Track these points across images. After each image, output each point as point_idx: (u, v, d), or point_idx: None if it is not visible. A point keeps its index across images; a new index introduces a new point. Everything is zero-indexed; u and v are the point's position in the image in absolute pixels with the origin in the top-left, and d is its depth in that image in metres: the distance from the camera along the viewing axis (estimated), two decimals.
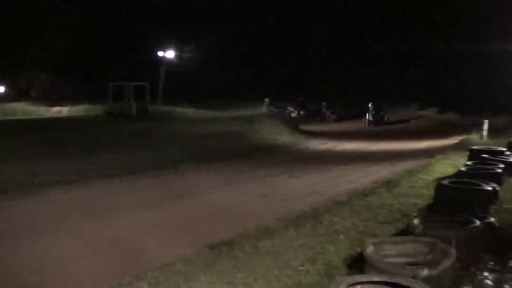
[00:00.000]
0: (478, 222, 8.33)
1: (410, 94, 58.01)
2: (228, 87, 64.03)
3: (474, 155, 17.86)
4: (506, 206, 11.45)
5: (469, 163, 15.95)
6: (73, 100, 48.10)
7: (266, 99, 55.39)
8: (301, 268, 8.26)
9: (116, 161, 20.89)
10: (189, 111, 45.70)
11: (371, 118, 49.21)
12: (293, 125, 38.83)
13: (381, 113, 50.17)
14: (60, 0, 58.76)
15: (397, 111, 54.31)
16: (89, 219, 12.70)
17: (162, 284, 8.12)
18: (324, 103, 55.63)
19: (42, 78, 57.50)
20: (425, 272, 6.27)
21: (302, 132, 37.45)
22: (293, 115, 52.98)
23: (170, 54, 52.74)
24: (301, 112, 53.94)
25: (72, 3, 59.07)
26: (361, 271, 6.93)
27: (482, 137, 28.04)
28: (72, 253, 10.17)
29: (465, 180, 11.79)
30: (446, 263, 6.55)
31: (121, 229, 11.87)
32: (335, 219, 11.53)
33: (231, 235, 10.63)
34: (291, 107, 54.31)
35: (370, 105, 49.47)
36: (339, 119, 52.23)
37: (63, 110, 45.25)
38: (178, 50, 55.29)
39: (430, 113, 54.37)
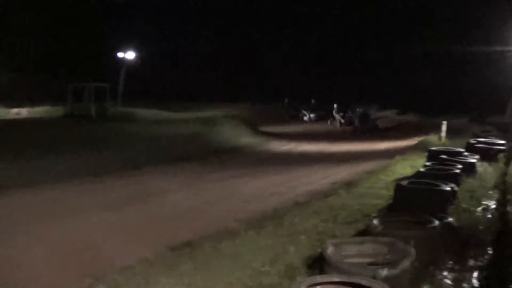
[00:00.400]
0: (437, 222, 8.43)
1: (371, 95, 58.46)
2: (191, 88, 63.92)
3: (433, 155, 18.06)
4: (464, 206, 11.59)
5: (428, 163, 16.12)
6: (33, 101, 47.46)
7: (286, 99, 54.82)
8: (261, 269, 8.25)
9: (76, 163, 20.67)
10: (150, 113, 45.37)
11: (342, 120, 49.32)
12: (255, 127, 38.80)
13: (370, 118, 48.09)
14: (21, 1, 58.11)
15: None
16: (49, 221, 12.57)
17: (122, 286, 8.06)
18: (335, 106, 53.29)
19: (2, 79, 56.68)
20: (385, 272, 6.31)
21: (264, 133, 37.48)
22: (305, 118, 52.53)
23: (130, 55, 52.33)
24: (311, 116, 53.68)
25: (33, 4, 58.40)
26: (322, 271, 6.95)
27: (440, 138, 28.31)
28: (33, 256, 10.07)
29: (424, 180, 11.91)
30: (406, 263, 6.61)
31: (81, 232, 11.78)
32: (296, 220, 11.56)
33: (192, 237, 10.60)
34: (304, 110, 53.85)
35: (335, 106, 49.60)
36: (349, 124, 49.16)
37: (22, 112, 44.55)
38: (139, 51, 54.85)
39: (390, 114, 54.78)
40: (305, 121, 52.71)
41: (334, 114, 50.88)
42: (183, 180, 19.07)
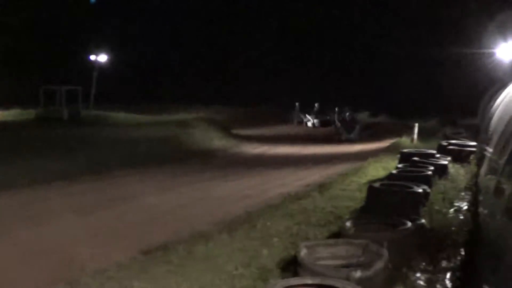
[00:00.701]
0: (409, 224, 8.47)
1: (343, 98, 58.66)
2: (164, 91, 63.80)
3: (405, 158, 18.19)
4: (436, 207, 11.67)
5: (400, 166, 16.24)
6: (4, 104, 47.02)
7: (297, 104, 53.46)
8: (235, 272, 8.24)
9: (48, 167, 20.47)
10: (123, 116, 45.19)
11: (311, 121, 48.98)
12: (229, 130, 38.76)
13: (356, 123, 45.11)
14: None
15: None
16: (21, 226, 12.45)
17: None
18: (316, 105, 53.22)
19: None
20: (358, 273, 6.34)
21: (237, 136, 37.46)
22: (309, 124, 51.49)
23: (102, 58, 52.06)
24: (315, 121, 51.95)
25: (3, 5, 57.87)
26: (295, 274, 6.97)
27: (412, 140, 28.52)
28: (4, 261, 9.96)
29: (397, 182, 11.99)
30: (379, 265, 6.64)
31: (54, 236, 11.67)
32: (269, 223, 11.56)
33: (165, 240, 10.57)
34: (309, 115, 52.54)
35: (316, 105, 49.36)
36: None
37: None
38: (111, 53, 54.57)
39: (362, 116, 55.05)
40: (309, 127, 51.18)
41: (305, 115, 50.60)
42: (156, 183, 18.99)
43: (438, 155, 18.84)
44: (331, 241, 8.15)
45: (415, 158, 17.22)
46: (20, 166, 19.92)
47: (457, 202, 12.95)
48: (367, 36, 61.32)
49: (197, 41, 71.98)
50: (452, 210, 12.02)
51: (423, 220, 9.51)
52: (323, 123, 50.86)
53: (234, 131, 39.39)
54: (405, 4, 54.54)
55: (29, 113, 42.11)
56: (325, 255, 7.29)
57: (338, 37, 64.33)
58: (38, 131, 30.14)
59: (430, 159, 17.49)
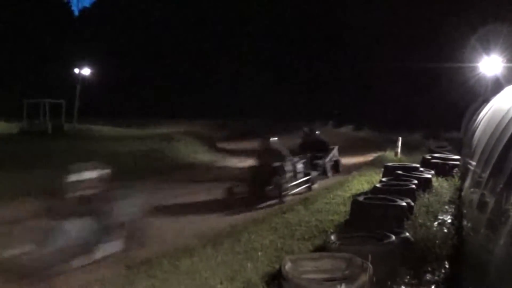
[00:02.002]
0: (393, 237, 8.49)
1: (326, 111, 58.75)
2: (148, 105, 63.81)
3: (389, 171, 18.26)
4: (420, 221, 11.68)
5: (384, 179, 16.30)
6: None
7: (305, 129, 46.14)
8: (220, 286, 8.23)
9: (29, 181, 20.35)
10: (106, 129, 45.08)
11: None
12: (213, 143, 38.67)
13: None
14: None
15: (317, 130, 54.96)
16: None
17: None
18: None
19: None
20: (342, 287, 6.33)
21: (222, 150, 37.40)
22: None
23: (86, 71, 51.89)
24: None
25: None
26: (280, 287, 6.95)
27: (396, 154, 28.57)
28: None
29: (381, 196, 12.01)
30: (363, 278, 6.63)
31: (33, 252, 11.58)
32: (253, 237, 11.55)
33: (149, 254, 10.53)
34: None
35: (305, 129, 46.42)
36: None
37: None
38: (95, 67, 54.40)
39: (346, 130, 55.15)
40: None
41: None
42: (139, 197, 18.90)
43: (422, 169, 18.92)
44: (316, 254, 8.16)
45: (399, 172, 17.30)
46: (1, 180, 19.78)
47: (441, 216, 12.99)
48: (350, 50, 61.49)
49: (181, 55, 72.04)
50: (436, 223, 12.04)
51: (407, 234, 9.53)
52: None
53: (219, 145, 39.31)
54: (389, 18, 54.81)
55: (13, 127, 41.93)
56: (309, 268, 7.29)
57: (321, 52, 64.51)
58: (22, 145, 30.00)
59: (414, 172, 17.56)
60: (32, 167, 22.57)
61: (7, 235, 10.85)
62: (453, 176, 19.04)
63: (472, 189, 10.85)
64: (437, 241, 10.25)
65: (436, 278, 8.53)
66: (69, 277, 9.55)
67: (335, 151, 26.52)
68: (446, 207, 14.24)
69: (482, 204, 7.82)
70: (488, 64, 31.64)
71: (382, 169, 19.79)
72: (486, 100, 21.77)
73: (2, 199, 17.12)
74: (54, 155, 25.51)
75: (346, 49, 62.36)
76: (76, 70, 51.65)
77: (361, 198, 11.97)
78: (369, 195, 12.65)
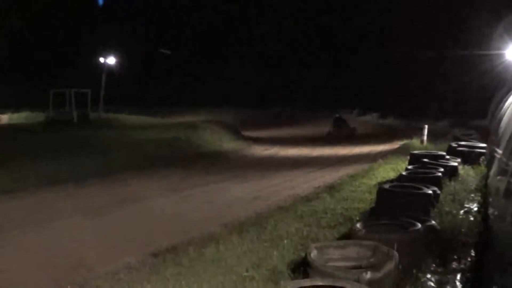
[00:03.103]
0: (419, 225, 8.45)
1: (352, 100, 58.51)
2: (173, 94, 63.91)
3: (415, 159, 18.12)
4: (446, 209, 11.62)
5: (410, 167, 16.18)
6: (14, 107, 47.22)
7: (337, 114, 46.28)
8: (245, 274, 8.23)
9: (57, 169, 20.54)
10: (132, 118, 45.27)
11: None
12: (238, 131, 38.72)
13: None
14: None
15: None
16: (30, 228, 12.52)
17: None
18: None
19: None
20: (368, 275, 6.33)
21: (247, 138, 37.45)
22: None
23: (111, 60, 52.02)
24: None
25: (11, 9, 58.15)
26: (306, 275, 6.96)
27: (422, 141, 28.39)
28: (14, 264, 10.02)
29: (407, 184, 11.95)
30: (389, 266, 6.63)
31: (63, 238, 11.73)
32: (279, 225, 11.56)
33: (175, 242, 10.59)
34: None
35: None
36: None
37: (2, 118, 44.34)
38: (121, 55, 54.51)
39: (372, 118, 54.94)
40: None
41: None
42: (166, 185, 19.03)
43: (448, 157, 18.74)
44: (341, 242, 8.14)
45: (425, 160, 17.17)
46: (30, 169, 20.00)
47: (467, 204, 12.89)
48: (375, 38, 61.09)
49: (206, 43, 72.00)
50: (462, 211, 11.97)
51: (433, 222, 9.48)
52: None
53: (244, 133, 39.36)
54: (415, 4, 54.38)
55: (39, 116, 42.29)
56: (335, 256, 7.29)
57: (345, 38, 64.12)
58: (48, 134, 30.24)
59: (440, 160, 17.41)
60: (57, 156, 22.78)
61: None
62: (479, 164, 18.89)
63: (498, 177, 10.77)
64: (463, 229, 10.20)
65: (462, 266, 8.49)
66: (95, 264, 9.64)
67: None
68: (472, 195, 14.13)
69: (508, 192, 7.78)
70: None
71: (408, 157, 19.67)
72: None
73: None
74: (79, 144, 25.73)
75: (370, 36, 61.95)
76: (101, 59, 51.86)
77: (386, 186, 11.92)
78: (395, 183, 12.58)
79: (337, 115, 40.76)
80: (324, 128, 45.01)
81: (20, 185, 17.48)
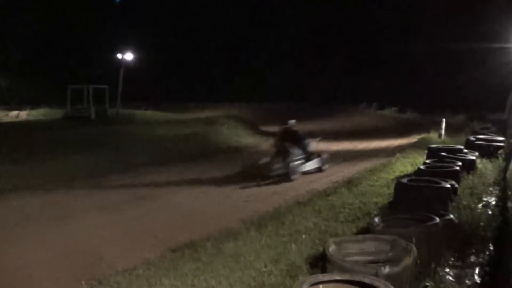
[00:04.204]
0: (437, 219, 8.44)
1: (369, 93, 58.33)
2: (190, 89, 64.10)
3: (433, 153, 18.08)
4: (464, 202, 11.61)
5: (428, 161, 16.14)
6: (32, 103, 47.56)
7: None
8: (264, 269, 8.27)
9: (76, 165, 20.70)
10: (149, 114, 45.47)
11: None
12: (256, 126, 38.66)
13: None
14: (18, 4, 58.20)
15: (358, 112, 55.12)
16: (50, 225, 12.60)
17: None
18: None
19: (1, 82, 56.68)
20: (386, 269, 6.34)
21: (265, 133, 37.41)
22: None
23: (128, 56, 52.11)
24: None
25: (29, 6, 58.46)
26: (324, 270, 6.98)
27: (440, 135, 28.29)
28: (34, 259, 10.10)
29: (425, 178, 11.94)
30: (407, 260, 6.63)
31: (82, 234, 11.81)
32: (297, 219, 11.58)
33: (194, 238, 10.65)
34: None
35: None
36: None
37: (21, 114, 44.71)
38: (138, 52, 54.59)
39: (390, 112, 54.78)
40: None
41: None
42: (184, 181, 19.08)
43: (466, 150, 18.67)
44: (359, 237, 8.14)
45: (443, 154, 17.12)
46: (49, 165, 20.17)
47: (485, 197, 12.86)
48: (393, 32, 60.83)
49: (223, 39, 72.09)
50: (480, 205, 11.94)
51: (451, 216, 9.46)
52: None
53: (262, 128, 39.32)
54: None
55: (57, 112, 42.60)
56: (353, 251, 7.30)
57: (361, 33, 63.94)
58: (66, 131, 30.42)
59: (458, 154, 17.36)
60: (76, 152, 22.92)
61: None
62: (497, 158, 18.83)
63: None
64: (481, 223, 10.18)
65: (480, 260, 8.49)
66: (114, 259, 9.71)
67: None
68: (491, 188, 14.08)
69: None
70: None
71: (426, 151, 19.61)
72: None
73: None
74: (97, 140, 25.87)
75: (388, 30, 61.71)
76: (119, 55, 52.03)
77: (405, 180, 11.89)
78: (413, 177, 12.55)
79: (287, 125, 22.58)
80: (341, 123, 44.89)
81: (38, 182, 17.61)
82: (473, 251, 8.75)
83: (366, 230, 9.12)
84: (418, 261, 6.90)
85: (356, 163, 23.36)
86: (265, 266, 8.38)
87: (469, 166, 15.87)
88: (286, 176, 19.10)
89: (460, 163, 14.93)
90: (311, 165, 21.00)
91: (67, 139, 26.33)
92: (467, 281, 7.65)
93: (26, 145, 24.23)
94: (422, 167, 14.68)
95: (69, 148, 23.73)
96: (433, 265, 7.63)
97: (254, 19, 71.96)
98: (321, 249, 8.34)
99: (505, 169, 15.64)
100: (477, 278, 7.78)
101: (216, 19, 71.86)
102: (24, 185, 17.12)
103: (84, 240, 11.39)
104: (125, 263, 9.36)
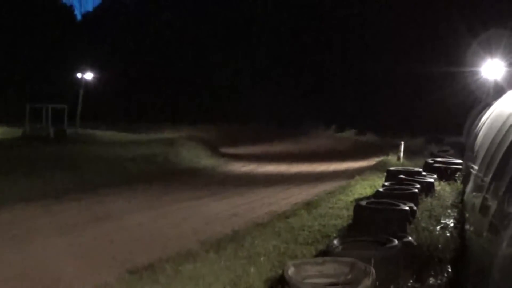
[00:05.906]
0: (396, 242, 8.49)
1: (328, 116, 58.67)
2: (150, 110, 63.90)
3: (392, 175, 18.24)
4: (423, 225, 11.69)
5: (386, 183, 16.30)
6: None
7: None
8: None
9: (33, 185, 20.39)
10: (109, 134, 45.16)
11: None
12: (216, 148, 38.71)
13: None
14: None
15: (318, 134, 55.33)
16: (4, 245, 12.39)
17: None
18: None
19: None
20: None
21: (224, 155, 37.44)
22: None
23: (88, 75, 51.84)
24: None
25: None
26: None
27: (399, 158, 28.57)
28: None
29: (383, 200, 12.01)
30: (366, 283, 6.65)
31: (39, 256, 11.62)
32: (256, 241, 11.55)
33: (152, 259, 10.55)
34: None
35: None
36: None
37: None
38: (98, 71, 54.32)
39: (349, 134, 55.19)
40: None
41: None
42: (143, 202, 18.96)
43: (424, 173, 18.90)
44: (319, 259, 8.15)
45: (402, 176, 17.28)
46: (5, 184, 19.82)
47: (443, 220, 12.97)
48: (352, 54, 61.46)
49: (184, 60, 72.07)
50: (438, 227, 12.03)
51: (410, 238, 9.53)
52: None
53: (222, 150, 39.35)
54: (391, 23, 54.86)
55: (15, 131, 42.06)
56: (312, 273, 7.29)
57: (323, 56, 64.44)
58: (24, 150, 30.06)
59: (417, 176, 17.54)
60: (34, 172, 22.62)
61: None
62: (455, 180, 19.04)
63: (474, 193, 10.86)
64: (439, 245, 10.25)
65: (439, 281, 8.54)
66: (72, 282, 9.57)
67: None
68: (449, 211, 14.22)
69: (484, 208, 7.83)
70: (490, 68, 31.66)
71: (385, 174, 19.79)
72: (488, 104, 21.77)
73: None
74: (56, 160, 25.58)
75: (347, 53, 62.34)
76: (79, 75, 51.72)
77: (363, 203, 11.97)
78: (372, 200, 12.66)
79: None
80: (301, 145, 45.48)
81: None
82: (432, 272, 8.80)
83: (325, 253, 9.11)
84: (377, 283, 6.91)
85: (315, 185, 23.45)
86: None
87: (428, 188, 16.03)
88: None
89: (418, 186, 15.09)
90: None
91: (25, 158, 25.99)
92: None
93: None
94: (381, 189, 14.81)
95: (27, 167, 23.40)
96: (392, 287, 7.65)
97: (219, 40, 72.11)
98: (280, 271, 8.31)
99: (463, 192, 15.81)
100: None
101: (180, 39, 71.93)
102: None
103: (41, 262, 11.20)
104: (82, 285, 9.23)
